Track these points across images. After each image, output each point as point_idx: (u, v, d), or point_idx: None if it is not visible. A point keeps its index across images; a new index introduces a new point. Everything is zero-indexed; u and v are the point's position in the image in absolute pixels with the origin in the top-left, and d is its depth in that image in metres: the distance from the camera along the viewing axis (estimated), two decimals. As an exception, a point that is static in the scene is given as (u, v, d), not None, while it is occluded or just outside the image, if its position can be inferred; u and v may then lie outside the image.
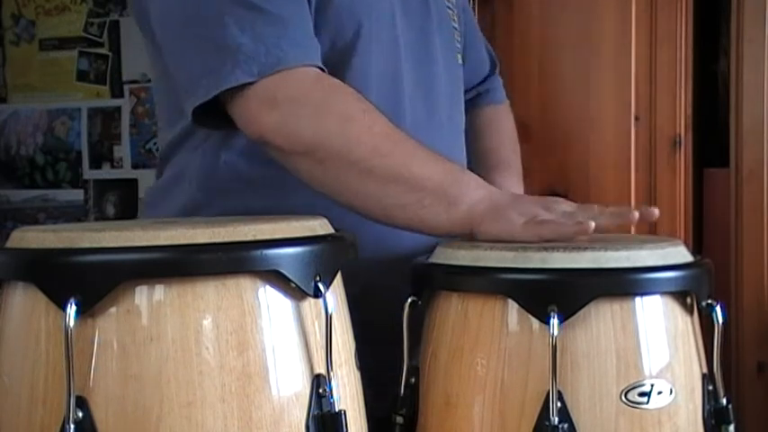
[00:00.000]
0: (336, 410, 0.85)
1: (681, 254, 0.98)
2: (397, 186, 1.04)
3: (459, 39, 1.34)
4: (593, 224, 1.00)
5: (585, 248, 0.94)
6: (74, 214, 3.01)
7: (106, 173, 3.03)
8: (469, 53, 1.43)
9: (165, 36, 1.11)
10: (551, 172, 1.83)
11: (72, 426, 0.78)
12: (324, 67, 1.07)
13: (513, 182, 1.37)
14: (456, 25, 1.33)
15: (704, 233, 1.89)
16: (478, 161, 1.38)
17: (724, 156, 1.81)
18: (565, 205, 1.06)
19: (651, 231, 1.78)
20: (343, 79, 1.10)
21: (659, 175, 1.80)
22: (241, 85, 1.03)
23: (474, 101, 1.46)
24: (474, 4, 1.87)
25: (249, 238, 0.84)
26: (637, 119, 1.78)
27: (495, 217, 1.02)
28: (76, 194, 3.05)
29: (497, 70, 1.53)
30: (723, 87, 1.87)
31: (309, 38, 1.07)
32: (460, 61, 1.34)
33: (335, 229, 0.95)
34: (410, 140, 1.07)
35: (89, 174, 3.04)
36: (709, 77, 1.90)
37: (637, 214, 1.05)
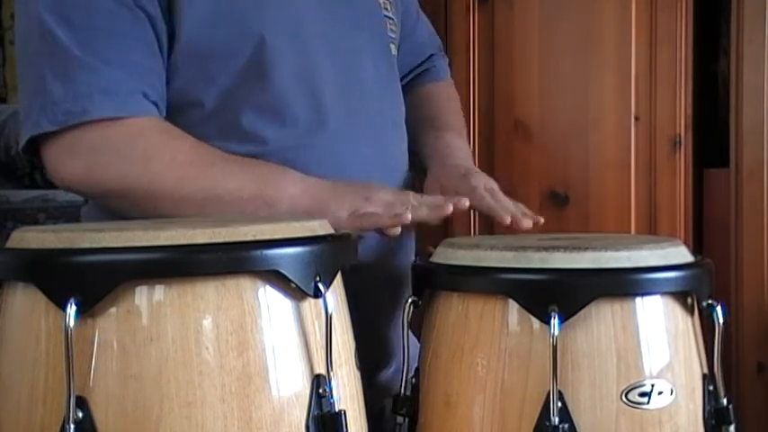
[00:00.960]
0: (336, 410, 0.85)
1: (681, 254, 0.98)
2: (214, 205, 1.06)
3: (393, 28, 1.33)
4: (409, 215, 1.06)
5: (586, 248, 0.94)
6: (74, 214, 3.01)
7: (106, 173, 3.03)
8: (408, 38, 1.43)
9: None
10: (551, 172, 1.83)
11: (72, 426, 0.78)
12: (145, 109, 1.08)
13: (462, 142, 1.39)
14: (389, 14, 1.32)
15: (704, 233, 1.89)
16: (423, 127, 1.38)
17: (724, 156, 1.81)
18: (383, 193, 1.10)
19: (651, 231, 1.78)
20: (257, 91, 1.13)
21: (659, 175, 1.80)
22: (49, 133, 1.05)
23: (414, 80, 1.46)
24: (474, 4, 1.88)
25: (249, 238, 0.84)
26: (637, 119, 1.78)
27: (318, 212, 1.04)
28: (76, 194, 3.05)
29: (441, 51, 1.54)
30: (723, 87, 1.87)
31: (126, 84, 1.06)
32: (394, 51, 1.32)
33: (335, 229, 0.95)
34: (220, 157, 1.09)
35: (89, 174, 3.04)
36: (710, 77, 1.90)
37: (450, 207, 1.09)
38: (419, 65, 1.48)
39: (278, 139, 1.15)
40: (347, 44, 1.24)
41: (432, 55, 1.50)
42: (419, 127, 1.37)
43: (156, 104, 1.10)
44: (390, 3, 1.34)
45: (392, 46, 1.32)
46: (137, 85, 1.07)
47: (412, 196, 1.12)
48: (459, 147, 1.35)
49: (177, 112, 1.13)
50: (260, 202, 1.07)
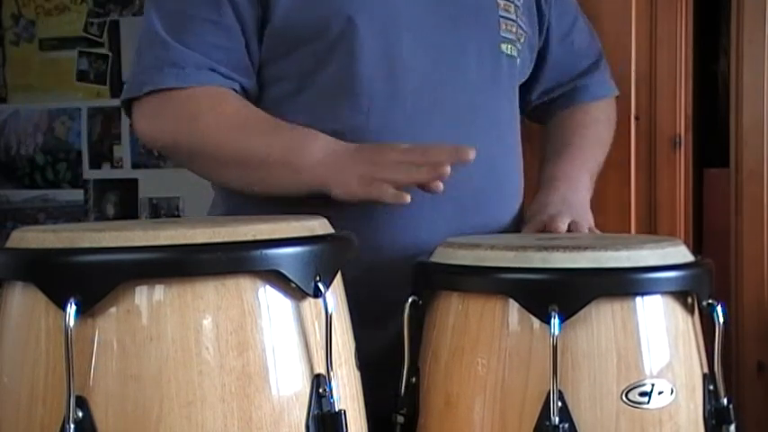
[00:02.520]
0: (336, 410, 0.85)
1: (681, 254, 0.98)
2: (247, 167, 1.18)
3: (511, 29, 1.33)
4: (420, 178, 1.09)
5: (586, 248, 0.93)
6: (74, 214, 3.01)
7: (106, 173, 3.03)
8: (561, 42, 1.43)
9: None
10: (551, 172, 1.82)
11: (72, 425, 0.78)
12: (209, 81, 1.20)
13: (576, 172, 1.37)
14: (509, 16, 1.32)
15: (704, 233, 1.88)
16: (545, 154, 1.41)
17: (724, 156, 1.81)
18: (393, 154, 1.12)
19: (651, 231, 1.77)
20: (336, 72, 1.21)
21: (659, 175, 1.79)
22: (133, 98, 1.23)
23: (559, 100, 1.45)
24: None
25: (249, 237, 0.84)
26: (637, 119, 1.78)
27: (335, 180, 1.12)
28: (76, 194, 3.05)
29: (601, 60, 1.50)
30: (723, 87, 1.87)
31: (194, 59, 1.20)
32: (509, 51, 1.32)
33: (335, 229, 0.95)
34: (256, 121, 1.19)
35: (89, 174, 3.04)
36: (709, 77, 1.90)
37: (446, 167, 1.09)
38: (570, 80, 1.46)
39: (353, 121, 1.21)
40: (446, 39, 1.26)
41: (587, 68, 1.47)
42: (544, 153, 1.41)
43: (228, 78, 1.21)
44: (515, 6, 1.33)
45: (505, 46, 1.32)
46: (205, 62, 1.20)
47: (421, 151, 1.12)
48: (563, 178, 1.34)
49: (264, 90, 1.25)
50: (286, 167, 1.15)
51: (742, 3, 1.75)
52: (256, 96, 1.25)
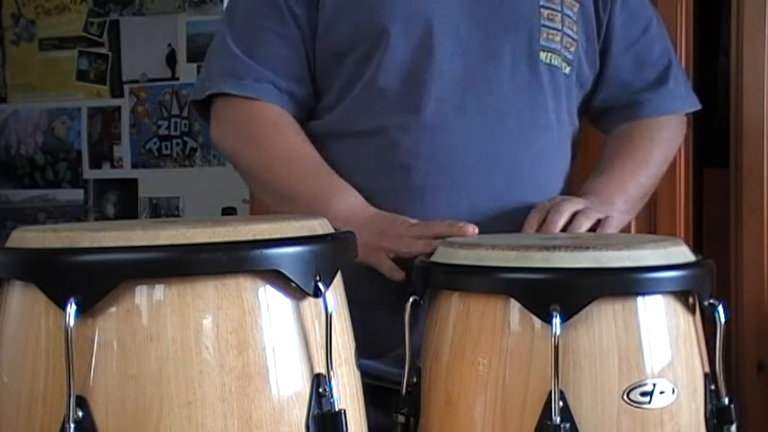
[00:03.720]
0: (336, 410, 0.85)
1: (683, 253, 0.98)
2: (281, 199, 1.28)
3: (554, 38, 1.33)
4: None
5: (587, 248, 0.93)
6: (74, 214, 3.02)
7: (106, 173, 3.03)
8: (625, 52, 1.39)
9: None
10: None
11: (72, 425, 0.78)
12: (268, 95, 1.29)
13: (600, 188, 1.33)
14: (554, 24, 1.32)
15: (704, 233, 1.89)
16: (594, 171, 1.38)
17: (724, 155, 1.81)
18: (401, 228, 1.18)
19: (651, 230, 1.78)
20: (367, 79, 1.27)
21: (659, 175, 1.79)
22: (204, 100, 1.33)
23: (627, 109, 1.41)
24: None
25: (249, 237, 0.84)
26: (637, 118, 1.77)
27: None
28: (76, 194, 3.05)
29: (669, 77, 1.41)
30: (723, 86, 1.87)
31: (256, 71, 1.29)
32: (549, 60, 1.32)
33: (335, 229, 0.95)
34: (301, 162, 1.27)
35: (89, 173, 3.04)
36: (710, 77, 1.90)
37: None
38: (633, 93, 1.41)
39: (376, 125, 1.27)
40: (480, 46, 1.28)
41: (654, 81, 1.41)
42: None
43: (287, 92, 1.30)
44: (563, 15, 1.33)
45: (545, 55, 1.32)
46: (265, 75, 1.29)
47: (424, 225, 1.17)
48: (592, 194, 1.29)
49: (317, 100, 1.33)
50: (308, 212, 1.19)
51: (742, 3, 1.75)
52: (313, 105, 1.34)
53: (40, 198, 3.06)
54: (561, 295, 0.90)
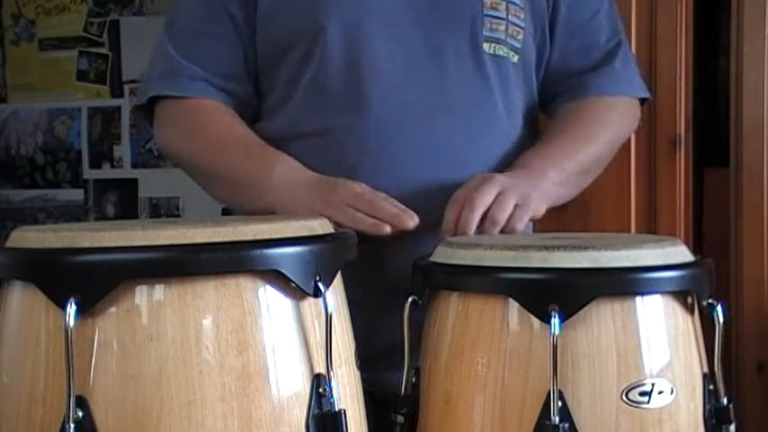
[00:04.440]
0: (336, 410, 0.85)
1: (681, 253, 0.98)
2: (222, 182, 1.27)
3: (498, 28, 1.31)
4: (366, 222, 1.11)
5: (586, 248, 0.93)
6: (74, 214, 3.01)
7: (106, 172, 3.03)
8: (571, 37, 1.37)
9: None
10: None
11: (72, 425, 0.78)
12: (202, 92, 1.30)
13: (532, 161, 1.27)
14: (498, 14, 1.31)
15: (704, 233, 1.89)
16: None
17: (724, 155, 1.81)
18: (344, 196, 1.15)
19: (651, 230, 1.78)
20: (310, 78, 1.27)
21: (659, 175, 1.80)
22: (144, 105, 1.34)
23: (572, 91, 1.38)
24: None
25: (249, 237, 0.84)
26: (637, 118, 1.78)
27: (287, 207, 1.17)
28: (76, 194, 3.05)
29: (616, 59, 1.38)
30: (723, 86, 1.87)
31: (192, 71, 1.30)
32: (493, 51, 1.30)
33: (335, 229, 0.95)
34: (237, 141, 1.26)
35: (89, 173, 3.04)
36: (709, 76, 1.91)
37: (388, 228, 1.12)
38: (578, 74, 1.38)
39: (324, 124, 1.26)
40: (422, 41, 1.27)
41: (598, 62, 1.38)
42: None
43: (225, 90, 1.30)
44: (508, 3, 1.31)
45: (488, 45, 1.30)
46: (199, 73, 1.29)
47: (369, 201, 1.14)
48: (522, 167, 1.25)
49: (261, 103, 1.33)
50: (252, 188, 1.22)
51: (742, 3, 1.76)
52: (255, 104, 1.33)
53: (40, 198, 3.05)
54: (560, 295, 0.90)
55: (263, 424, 0.82)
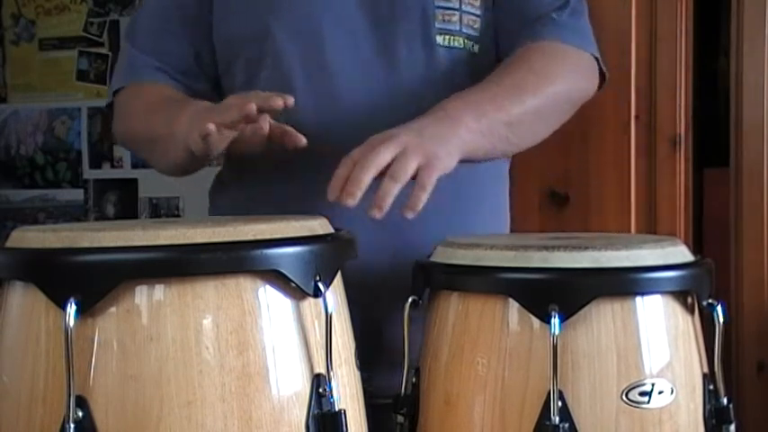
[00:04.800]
0: (336, 410, 0.85)
1: (681, 253, 0.98)
2: (151, 144, 1.27)
3: (450, 19, 1.29)
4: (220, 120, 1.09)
5: (586, 248, 0.93)
6: (74, 214, 3.01)
7: (106, 173, 3.02)
8: (507, 3, 1.31)
9: None
10: (551, 172, 1.82)
11: (72, 425, 0.78)
12: (153, 78, 1.33)
13: (448, 104, 1.16)
14: (449, 5, 1.28)
15: (704, 233, 1.89)
16: None
17: (724, 155, 1.81)
18: (226, 100, 1.14)
19: (651, 231, 1.78)
20: (258, 70, 1.29)
21: (659, 175, 1.79)
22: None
23: (511, 47, 1.31)
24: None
25: (249, 237, 0.84)
26: (637, 118, 1.78)
27: (181, 134, 1.15)
28: (76, 194, 3.04)
29: (557, 12, 1.30)
30: (723, 86, 1.87)
31: (145, 62, 1.34)
32: (447, 43, 1.28)
33: (335, 229, 0.95)
34: (164, 102, 1.27)
35: (89, 173, 3.04)
36: (709, 76, 1.90)
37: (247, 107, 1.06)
38: (517, 30, 1.30)
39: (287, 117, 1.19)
40: (374, 37, 1.26)
41: (537, 17, 1.30)
42: None
43: (174, 79, 1.33)
44: None
45: (442, 38, 1.28)
46: (154, 63, 1.33)
47: (241, 97, 1.11)
48: (436, 110, 1.15)
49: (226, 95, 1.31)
50: (170, 138, 1.18)
51: (742, 3, 1.75)
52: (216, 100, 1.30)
53: (40, 198, 3.05)
54: (560, 295, 0.90)
55: (263, 424, 0.82)
